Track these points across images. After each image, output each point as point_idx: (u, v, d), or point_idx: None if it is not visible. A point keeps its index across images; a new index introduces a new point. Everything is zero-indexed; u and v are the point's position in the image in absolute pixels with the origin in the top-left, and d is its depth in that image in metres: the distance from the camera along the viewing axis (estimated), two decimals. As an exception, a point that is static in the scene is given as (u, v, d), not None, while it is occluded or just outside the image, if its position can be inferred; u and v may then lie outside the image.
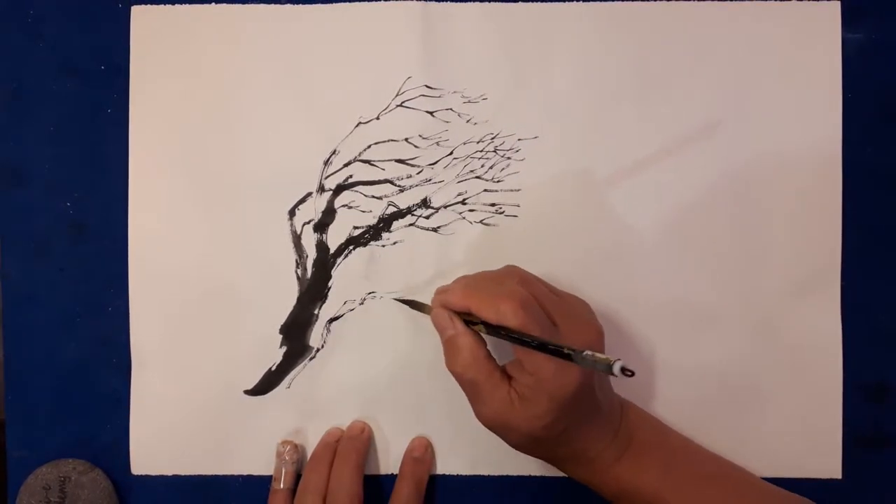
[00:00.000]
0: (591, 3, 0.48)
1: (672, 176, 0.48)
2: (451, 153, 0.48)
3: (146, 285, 0.48)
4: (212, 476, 0.49)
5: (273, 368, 0.48)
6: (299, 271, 0.48)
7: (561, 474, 0.48)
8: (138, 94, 0.48)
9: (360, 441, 0.47)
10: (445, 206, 0.48)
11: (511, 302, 0.39)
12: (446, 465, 0.49)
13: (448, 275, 0.47)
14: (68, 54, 0.48)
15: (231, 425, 0.49)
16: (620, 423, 0.43)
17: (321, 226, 0.48)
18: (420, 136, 0.48)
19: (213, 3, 0.48)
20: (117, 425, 0.49)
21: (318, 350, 0.48)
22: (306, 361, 0.48)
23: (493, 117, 0.48)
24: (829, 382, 0.48)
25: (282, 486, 0.47)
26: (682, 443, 0.46)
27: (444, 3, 0.48)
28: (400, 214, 0.48)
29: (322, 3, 0.48)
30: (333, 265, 0.48)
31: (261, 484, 0.48)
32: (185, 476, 0.49)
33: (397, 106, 0.48)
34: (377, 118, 0.48)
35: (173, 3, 0.48)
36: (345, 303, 0.48)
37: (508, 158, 0.48)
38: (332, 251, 0.48)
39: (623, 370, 0.33)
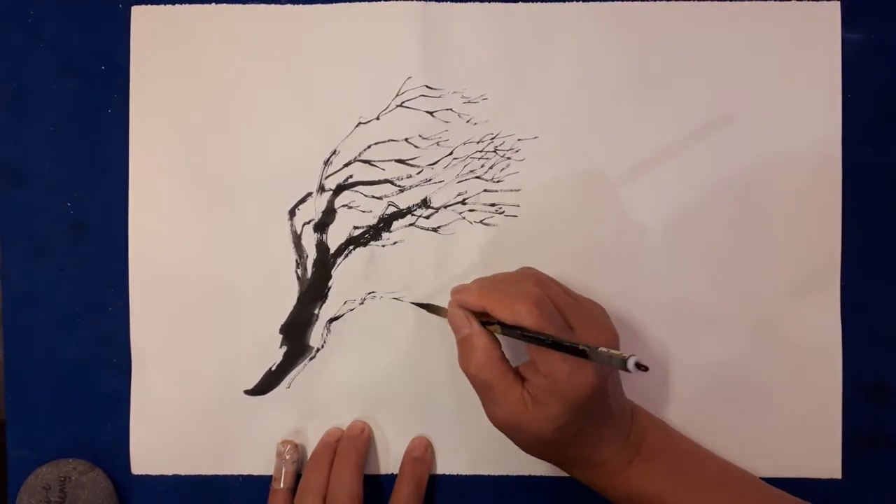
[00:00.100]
0: (591, 3, 0.48)
1: (672, 176, 0.48)
2: (451, 153, 0.48)
3: (146, 285, 0.48)
4: (212, 476, 0.49)
5: (273, 368, 0.48)
6: (299, 271, 0.48)
7: (562, 474, 0.48)
8: (138, 94, 0.48)
9: (360, 441, 0.47)
10: (445, 206, 0.48)
11: (527, 302, 0.39)
12: (446, 465, 0.49)
13: (448, 274, 0.47)
14: (68, 54, 0.48)
15: (231, 425, 0.49)
16: (631, 427, 0.43)
17: (321, 226, 0.48)
18: (420, 136, 0.48)
19: (213, 3, 0.48)
20: (117, 425, 0.49)
21: (318, 350, 0.48)
22: (306, 361, 0.48)
23: (493, 117, 0.48)
24: (829, 382, 0.48)
25: (282, 485, 0.47)
26: (690, 448, 0.46)
27: (444, 3, 0.48)
28: (400, 214, 0.48)
29: (322, 3, 0.48)
30: (333, 265, 0.48)
31: (261, 484, 0.48)
32: (185, 476, 0.49)
33: (397, 106, 0.48)
34: (377, 118, 0.48)
35: (173, 3, 0.48)
36: (345, 303, 0.48)
37: (508, 158, 0.48)
38: (332, 251, 0.48)
39: (638, 365, 0.32)
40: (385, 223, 0.48)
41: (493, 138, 0.48)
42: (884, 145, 0.48)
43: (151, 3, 0.48)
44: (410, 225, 0.48)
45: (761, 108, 0.47)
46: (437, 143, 0.48)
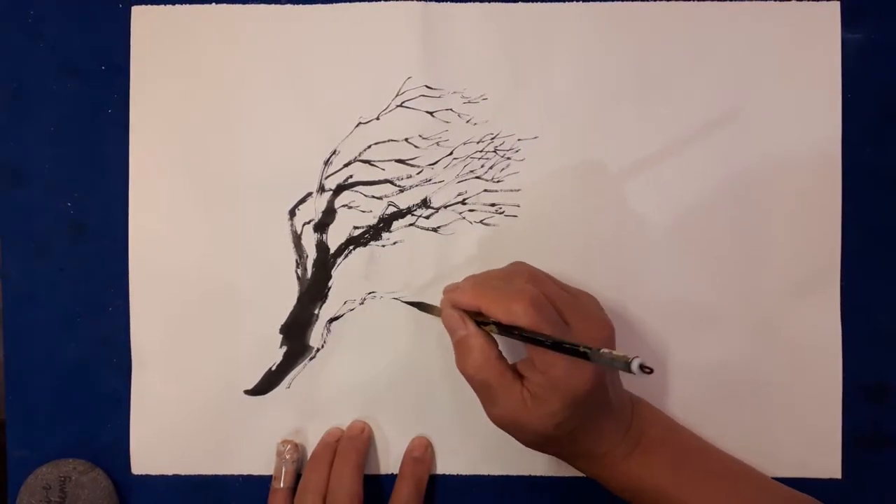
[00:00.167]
0: (591, 3, 0.48)
1: (672, 175, 0.48)
2: (451, 153, 0.48)
3: (146, 285, 0.48)
4: (212, 476, 0.49)
5: (273, 368, 0.48)
6: (299, 271, 0.48)
7: (561, 474, 0.48)
8: (138, 94, 0.48)
9: (360, 441, 0.47)
10: (445, 206, 0.48)
11: (522, 301, 0.39)
12: (446, 465, 0.49)
13: (448, 275, 0.47)
14: (68, 54, 0.48)
15: (231, 425, 0.49)
16: (632, 419, 0.43)
17: (321, 226, 0.48)
18: (420, 136, 0.48)
19: (213, 3, 0.48)
20: (117, 425, 0.49)
21: (318, 350, 0.48)
22: (306, 361, 0.48)
23: (493, 117, 0.48)
24: (829, 382, 0.48)
25: (282, 485, 0.47)
26: (691, 440, 0.46)
27: (444, 3, 0.48)
28: (400, 214, 0.48)
29: (322, 3, 0.48)
30: (333, 265, 0.48)
31: (261, 484, 0.48)
32: (185, 476, 0.49)
33: (397, 106, 0.48)
34: (377, 118, 0.48)
35: (173, 3, 0.48)
36: (345, 303, 0.48)
37: (508, 158, 0.48)
38: (332, 251, 0.48)
39: (642, 367, 0.32)
40: (385, 223, 0.48)
41: (493, 138, 0.48)
42: (884, 145, 0.48)
43: (151, 3, 0.48)
44: (410, 225, 0.48)
45: (761, 109, 0.47)
46: (437, 143, 0.48)
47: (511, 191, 0.48)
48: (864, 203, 0.48)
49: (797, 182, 0.48)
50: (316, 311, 0.48)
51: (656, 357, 0.48)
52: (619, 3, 0.48)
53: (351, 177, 0.48)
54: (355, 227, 0.48)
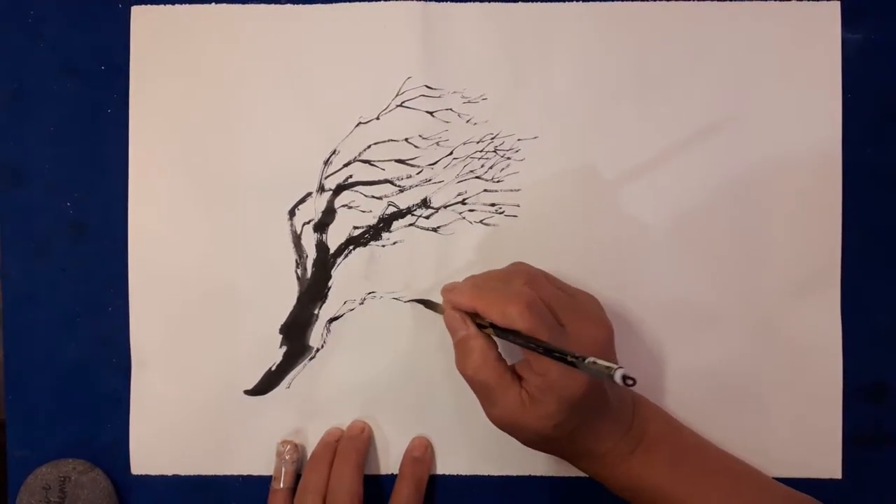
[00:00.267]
0: (591, 3, 0.48)
1: (672, 176, 0.48)
2: (451, 153, 0.48)
3: (146, 285, 0.48)
4: (212, 476, 0.49)
5: (273, 368, 0.48)
6: (299, 271, 0.48)
7: (561, 474, 0.48)
8: (138, 94, 0.48)
9: (360, 441, 0.47)
10: (445, 206, 0.48)
11: (518, 305, 0.39)
12: (446, 465, 0.49)
13: (448, 275, 0.47)
14: (68, 54, 0.48)
15: (231, 425, 0.49)
16: (633, 419, 0.43)
17: (321, 226, 0.48)
18: (420, 136, 0.48)
19: (213, 3, 0.48)
20: (117, 425, 0.49)
21: (318, 350, 0.48)
22: (306, 361, 0.48)
23: (493, 117, 0.48)
24: (829, 382, 0.48)
25: (282, 485, 0.47)
26: (692, 439, 0.46)
27: (444, 3, 0.48)
28: (400, 214, 0.48)
29: (322, 3, 0.48)
30: (333, 265, 0.48)
31: (261, 484, 0.48)
32: (185, 476, 0.49)
33: (397, 106, 0.48)
34: (377, 118, 0.48)
35: (173, 3, 0.48)
36: (345, 303, 0.48)
37: (508, 158, 0.48)
38: (332, 251, 0.48)
39: (624, 378, 0.32)
40: (385, 223, 0.48)
41: (493, 138, 0.48)
42: (884, 145, 0.48)
43: (151, 3, 0.48)
44: (410, 225, 0.48)
45: (761, 108, 0.47)
46: (437, 143, 0.48)
47: (511, 191, 0.48)
48: (864, 203, 0.48)
49: (797, 182, 0.48)
50: (316, 311, 0.48)
51: (656, 357, 0.48)
52: (619, 3, 0.48)
53: (351, 177, 0.48)
54: (355, 227, 0.48)
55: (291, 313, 0.48)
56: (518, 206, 0.48)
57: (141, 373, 0.49)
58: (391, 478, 0.48)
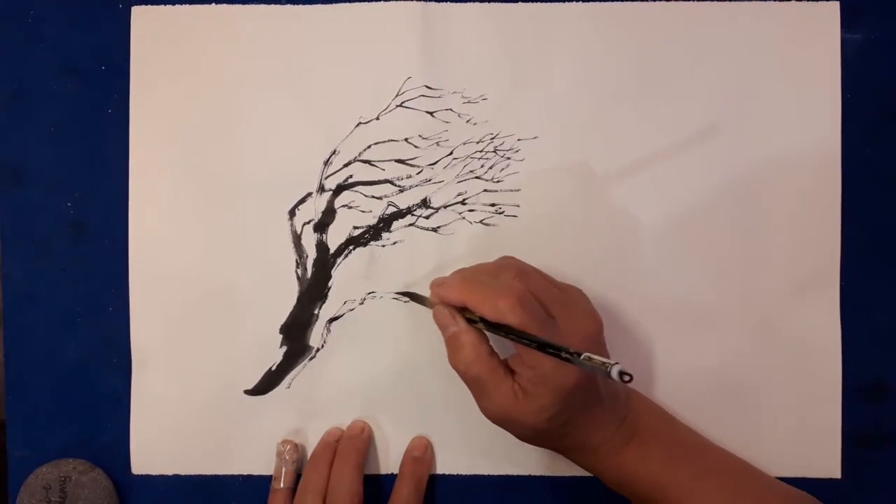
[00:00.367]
0: (591, 3, 0.48)
1: (671, 176, 0.48)
2: (451, 153, 0.48)
3: (146, 285, 0.48)
4: (212, 476, 0.49)
5: (273, 368, 0.48)
6: (299, 271, 0.48)
7: (561, 473, 0.48)
8: (138, 94, 0.48)
9: (360, 440, 0.47)
10: (445, 206, 0.48)
11: (509, 299, 0.39)
12: (446, 464, 0.49)
13: (447, 274, 0.47)
14: (68, 54, 0.48)
15: (231, 425, 0.49)
16: (626, 412, 0.43)
17: (321, 226, 0.48)
18: (420, 136, 0.48)
19: (213, 3, 0.48)
20: (117, 425, 0.49)
21: (318, 350, 0.48)
22: (306, 361, 0.48)
23: (493, 117, 0.48)
24: (829, 382, 0.48)
25: (282, 485, 0.47)
26: (686, 433, 0.46)
27: (444, 3, 0.48)
28: (400, 214, 0.48)
29: (322, 3, 0.48)
30: (333, 265, 0.48)
31: (261, 484, 0.48)
32: (185, 476, 0.49)
33: (397, 106, 0.48)
34: (377, 118, 0.48)
35: (173, 3, 0.48)
36: (345, 303, 0.48)
37: (508, 158, 0.48)
38: (332, 251, 0.48)
39: (621, 374, 0.32)
40: (385, 223, 0.48)
41: (492, 138, 0.48)
42: (884, 145, 0.48)
43: (151, 3, 0.48)
44: (410, 225, 0.48)
45: (761, 108, 0.48)
46: (437, 143, 0.48)
47: (511, 191, 0.48)
48: (864, 203, 0.48)
49: (797, 182, 0.48)
50: (316, 311, 0.48)
51: (656, 357, 0.48)
52: (619, 3, 0.48)
53: (351, 177, 0.48)
54: (355, 227, 0.48)
55: (291, 313, 0.48)
56: (518, 206, 0.48)
57: (141, 373, 0.49)
58: (391, 477, 0.48)
